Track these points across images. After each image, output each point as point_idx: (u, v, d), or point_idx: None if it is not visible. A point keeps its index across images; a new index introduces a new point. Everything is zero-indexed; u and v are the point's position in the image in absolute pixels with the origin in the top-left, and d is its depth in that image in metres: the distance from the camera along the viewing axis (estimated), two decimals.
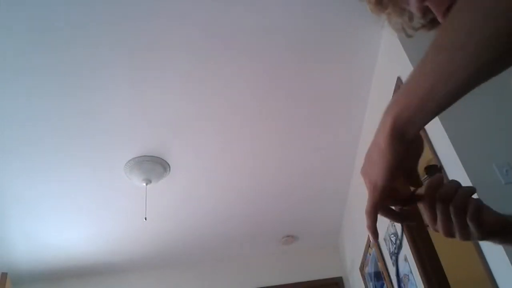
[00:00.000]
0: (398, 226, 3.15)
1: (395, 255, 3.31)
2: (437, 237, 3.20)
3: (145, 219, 3.68)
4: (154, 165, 3.59)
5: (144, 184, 3.65)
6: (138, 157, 3.53)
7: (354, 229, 4.54)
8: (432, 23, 0.78)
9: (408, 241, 2.99)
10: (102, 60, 2.76)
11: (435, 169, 0.76)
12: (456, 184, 0.68)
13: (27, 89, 2.84)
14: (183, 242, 4.89)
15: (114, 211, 4.15)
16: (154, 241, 4.76)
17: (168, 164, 3.67)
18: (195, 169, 3.82)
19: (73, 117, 3.11)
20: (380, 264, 3.69)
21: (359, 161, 3.94)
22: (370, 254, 3.98)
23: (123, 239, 4.60)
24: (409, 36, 0.85)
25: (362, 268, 4.33)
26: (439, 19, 0.70)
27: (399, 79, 2.71)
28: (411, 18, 0.80)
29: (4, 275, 4.10)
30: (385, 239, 3.52)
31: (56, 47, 2.62)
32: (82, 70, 2.79)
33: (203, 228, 4.70)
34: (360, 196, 4.17)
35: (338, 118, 3.53)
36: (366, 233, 3.96)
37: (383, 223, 3.46)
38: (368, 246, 3.98)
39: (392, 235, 3.31)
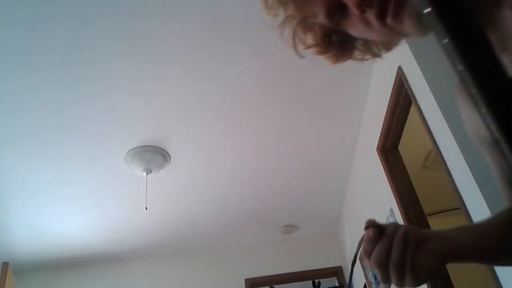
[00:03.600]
0: (398, 216, 3.15)
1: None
2: (437, 227, 3.21)
3: (146, 208, 3.69)
4: (154, 155, 3.59)
5: (145, 174, 3.66)
6: (139, 147, 3.53)
7: (354, 219, 4.55)
8: (329, 42, 0.65)
9: None
10: (103, 51, 2.74)
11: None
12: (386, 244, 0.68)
13: (28, 80, 2.83)
14: (183, 231, 4.91)
15: (115, 200, 4.17)
16: (155, 230, 4.78)
17: (169, 154, 3.67)
18: (195, 159, 3.82)
19: (74, 108, 3.10)
20: None
21: (359, 151, 3.94)
22: None
23: (124, 228, 4.62)
24: (300, 56, 0.69)
25: (361, 258, 4.35)
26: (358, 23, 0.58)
27: (400, 68, 2.70)
28: (310, 28, 0.64)
29: (6, 264, 4.12)
30: None
31: (57, 38, 2.60)
32: (83, 61, 2.77)
33: (204, 217, 4.72)
34: (359, 186, 4.17)
35: (338, 108, 3.52)
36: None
37: (383, 215, 3.47)
38: None
39: None
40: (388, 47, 0.70)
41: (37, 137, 3.30)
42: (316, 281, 5.08)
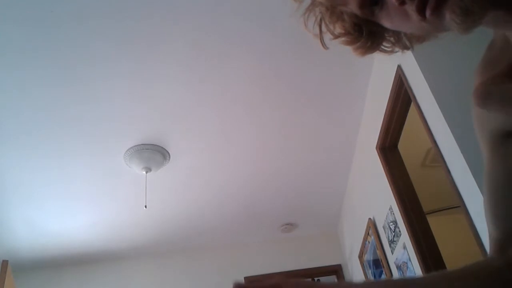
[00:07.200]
0: (398, 214, 3.16)
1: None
2: (436, 225, 3.22)
3: (145, 207, 3.69)
4: (154, 154, 3.59)
5: (144, 172, 3.66)
6: (138, 145, 3.53)
7: (353, 217, 4.56)
8: (359, 32, 0.62)
9: (406, 228, 3.00)
10: (102, 51, 2.74)
11: None
12: None
13: (28, 80, 2.83)
14: (182, 230, 4.91)
15: (115, 199, 4.17)
16: (154, 229, 4.79)
17: (168, 153, 3.67)
18: (194, 157, 3.82)
19: (73, 106, 3.10)
20: (379, 252, 3.71)
21: (359, 149, 3.94)
22: (369, 242, 4.00)
23: (123, 226, 4.63)
24: (325, 47, 0.67)
25: (361, 256, 4.35)
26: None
27: (399, 67, 2.70)
28: (339, 16, 0.61)
29: (5, 262, 4.12)
30: (384, 227, 3.53)
31: (56, 36, 2.60)
32: (82, 59, 2.77)
33: (203, 216, 4.72)
34: (358, 184, 4.18)
35: (338, 107, 3.52)
36: (365, 221, 3.98)
37: (382, 213, 3.47)
38: (367, 233, 4.00)
39: (391, 223, 3.33)
40: (422, 40, 0.66)
41: (37, 136, 3.29)
42: (316, 279, 5.09)
